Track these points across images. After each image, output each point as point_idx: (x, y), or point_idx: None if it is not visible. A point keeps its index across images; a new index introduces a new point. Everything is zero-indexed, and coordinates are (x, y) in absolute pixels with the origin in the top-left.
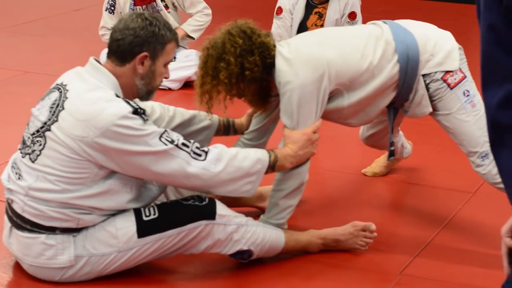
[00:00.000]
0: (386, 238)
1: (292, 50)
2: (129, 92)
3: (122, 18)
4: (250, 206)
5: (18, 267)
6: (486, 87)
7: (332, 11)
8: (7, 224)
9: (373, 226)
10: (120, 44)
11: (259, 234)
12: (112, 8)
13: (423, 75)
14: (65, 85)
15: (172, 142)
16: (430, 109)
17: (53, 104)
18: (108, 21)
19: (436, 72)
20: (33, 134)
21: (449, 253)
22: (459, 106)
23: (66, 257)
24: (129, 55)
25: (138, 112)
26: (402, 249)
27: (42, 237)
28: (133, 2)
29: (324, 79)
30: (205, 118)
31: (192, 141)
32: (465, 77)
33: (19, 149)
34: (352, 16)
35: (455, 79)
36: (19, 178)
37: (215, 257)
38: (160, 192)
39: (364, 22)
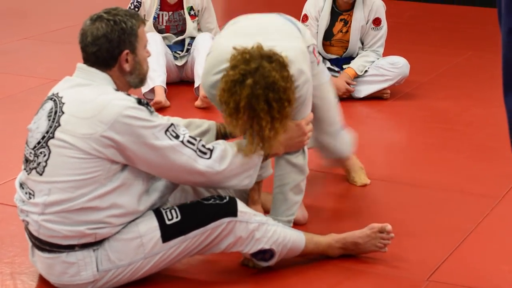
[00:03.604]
0: (413, 244)
1: (270, 46)
2: (122, 87)
3: (84, 31)
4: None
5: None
6: (507, 91)
7: (358, 18)
8: (29, 242)
9: (389, 227)
10: (99, 55)
11: (280, 234)
12: (136, 9)
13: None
14: (57, 93)
15: (177, 137)
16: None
17: (50, 112)
18: None
19: (311, 44)
20: (35, 147)
21: (477, 259)
22: (326, 80)
23: (89, 272)
24: (111, 60)
25: (142, 102)
26: (429, 255)
27: (62, 256)
28: (159, 6)
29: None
30: (201, 124)
31: (198, 138)
32: (320, 61)
33: (24, 168)
34: (376, 22)
35: (317, 57)
36: (30, 197)
37: (237, 264)
38: (174, 186)
39: (389, 27)
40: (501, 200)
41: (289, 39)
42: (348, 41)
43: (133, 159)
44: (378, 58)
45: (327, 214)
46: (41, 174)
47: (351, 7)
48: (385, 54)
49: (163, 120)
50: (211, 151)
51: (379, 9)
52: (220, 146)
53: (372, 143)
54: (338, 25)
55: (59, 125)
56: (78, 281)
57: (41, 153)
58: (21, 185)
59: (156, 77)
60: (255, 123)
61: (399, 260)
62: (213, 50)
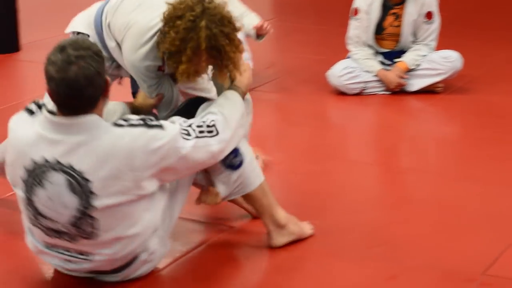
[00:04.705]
0: (468, 238)
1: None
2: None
3: (72, 78)
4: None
5: None
6: None
7: (409, 12)
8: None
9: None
10: (96, 95)
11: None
12: None
13: None
14: (56, 161)
15: (189, 135)
16: None
17: (71, 186)
18: None
19: None
20: (73, 223)
21: None
22: None
23: (154, 239)
24: (101, 94)
25: (147, 123)
26: (485, 249)
27: (140, 257)
28: None
29: None
30: (115, 109)
31: (202, 121)
32: None
33: (51, 235)
34: (428, 15)
35: None
36: (88, 256)
37: (243, 263)
38: None
39: (442, 20)
40: None
41: None
42: (399, 35)
43: (166, 179)
44: (430, 52)
45: (375, 206)
46: (97, 239)
47: (402, 1)
48: (438, 47)
49: (171, 125)
50: (214, 126)
51: (432, 3)
52: (216, 115)
53: (425, 136)
54: (389, 19)
55: (93, 193)
56: (156, 258)
57: (84, 223)
58: (53, 248)
59: None
60: (222, 58)
61: (455, 254)
62: (130, 27)
